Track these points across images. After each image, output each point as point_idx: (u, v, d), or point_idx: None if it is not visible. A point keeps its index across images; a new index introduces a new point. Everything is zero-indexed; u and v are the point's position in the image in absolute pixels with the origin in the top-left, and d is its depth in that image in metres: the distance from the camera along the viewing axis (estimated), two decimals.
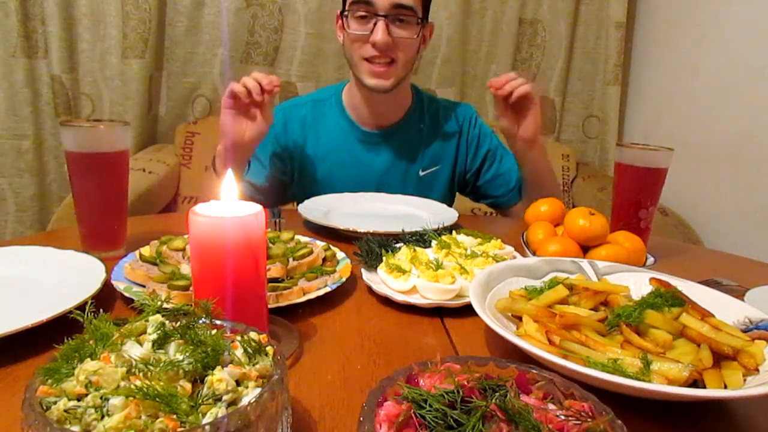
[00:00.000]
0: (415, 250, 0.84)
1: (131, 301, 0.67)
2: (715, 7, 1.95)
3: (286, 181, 1.43)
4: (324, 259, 0.84)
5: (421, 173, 1.42)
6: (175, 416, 0.35)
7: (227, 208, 0.54)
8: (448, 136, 1.44)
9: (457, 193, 1.53)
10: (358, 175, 1.37)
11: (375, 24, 1.20)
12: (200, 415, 0.36)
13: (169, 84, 2.18)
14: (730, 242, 1.79)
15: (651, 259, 0.99)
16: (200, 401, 0.37)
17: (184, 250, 0.79)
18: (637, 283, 0.73)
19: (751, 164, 1.76)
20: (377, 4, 1.19)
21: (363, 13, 1.22)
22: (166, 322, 0.43)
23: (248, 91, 1.11)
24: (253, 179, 1.32)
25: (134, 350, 0.40)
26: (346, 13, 1.25)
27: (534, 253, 0.92)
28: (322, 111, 1.42)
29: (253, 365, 0.42)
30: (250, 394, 0.39)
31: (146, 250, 0.81)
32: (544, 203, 1.08)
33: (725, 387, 0.54)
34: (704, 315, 0.63)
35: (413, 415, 0.38)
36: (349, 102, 1.40)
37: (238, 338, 0.44)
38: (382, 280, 0.79)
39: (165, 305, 0.46)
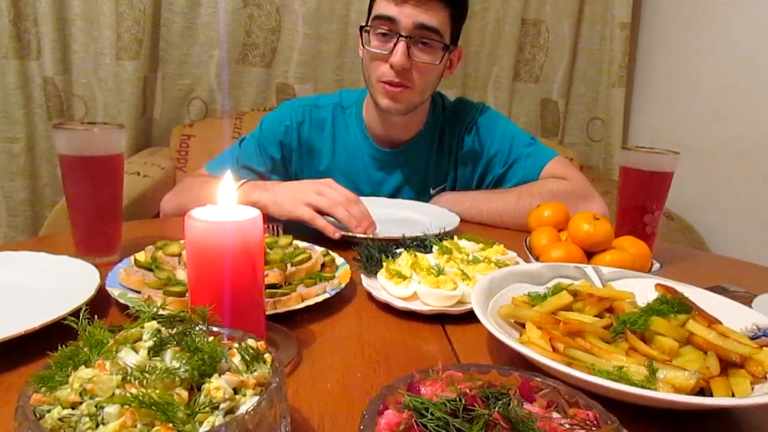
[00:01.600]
0: (415, 256, 0.83)
1: (126, 307, 0.66)
2: (721, 7, 1.94)
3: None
4: (323, 265, 0.83)
5: (432, 192, 1.39)
6: (171, 425, 0.35)
7: (224, 212, 0.53)
8: (451, 155, 1.40)
9: None
10: (370, 194, 1.33)
11: (396, 44, 1.14)
12: (197, 423, 0.36)
13: (164, 86, 2.17)
14: (738, 247, 1.78)
15: (656, 265, 0.98)
16: (197, 409, 0.37)
17: (180, 255, 0.79)
18: (643, 290, 0.72)
19: (759, 168, 1.75)
20: (401, 22, 1.13)
21: (385, 30, 1.16)
22: (162, 328, 0.43)
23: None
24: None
25: (129, 357, 0.40)
26: (368, 27, 1.20)
27: (537, 259, 0.91)
28: (343, 120, 1.37)
29: (251, 373, 0.41)
30: (247, 403, 0.38)
31: (141, 256, 0.81)
32: (547, 208, 1.07)
33: (733, 395, 0.53)
34: (711, 322, 0.63)
35: (414, 423, 0.38)
36: (367, 116, 1.36)
37: (236, 345, 0.43)
38: (383, 286, 0.78)
39: (161, 312, 0.46)
